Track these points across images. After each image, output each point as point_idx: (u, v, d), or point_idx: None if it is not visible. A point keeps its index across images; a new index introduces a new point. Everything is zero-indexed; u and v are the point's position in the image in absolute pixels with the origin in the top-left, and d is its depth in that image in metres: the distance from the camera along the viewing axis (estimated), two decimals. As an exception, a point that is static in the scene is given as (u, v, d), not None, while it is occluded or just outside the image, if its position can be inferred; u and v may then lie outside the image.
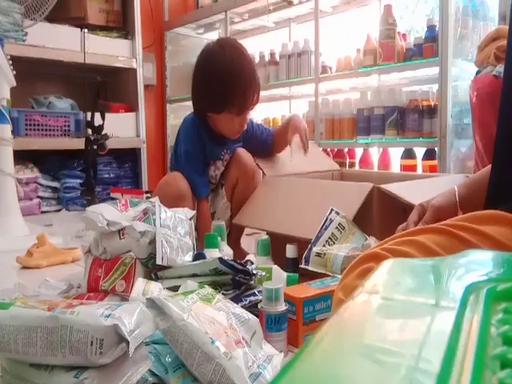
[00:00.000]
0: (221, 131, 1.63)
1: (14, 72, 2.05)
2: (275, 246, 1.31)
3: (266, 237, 1.32)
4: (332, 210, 1.19)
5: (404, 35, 2.48)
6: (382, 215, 1.27)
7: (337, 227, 1.17)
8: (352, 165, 2.82)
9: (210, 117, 1.62)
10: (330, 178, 1.83)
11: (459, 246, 0.63)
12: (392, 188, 1.25)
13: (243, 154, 1.65)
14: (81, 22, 3.03)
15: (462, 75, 2.21)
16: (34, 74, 2.94)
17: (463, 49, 2.23)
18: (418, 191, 1.29)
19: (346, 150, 2.84)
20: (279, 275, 1.12)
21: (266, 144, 1.75)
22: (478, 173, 1.09)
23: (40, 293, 1.11)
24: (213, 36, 3.76)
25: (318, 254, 1.11)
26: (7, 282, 1.36)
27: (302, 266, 1.13)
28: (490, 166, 0.96)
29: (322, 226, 1.17)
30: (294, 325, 0.92)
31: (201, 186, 1.60)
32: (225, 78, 1.53)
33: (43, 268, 1.62)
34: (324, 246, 1.15)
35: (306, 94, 3.09)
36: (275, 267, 1.15)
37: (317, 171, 1.79)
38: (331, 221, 1.18)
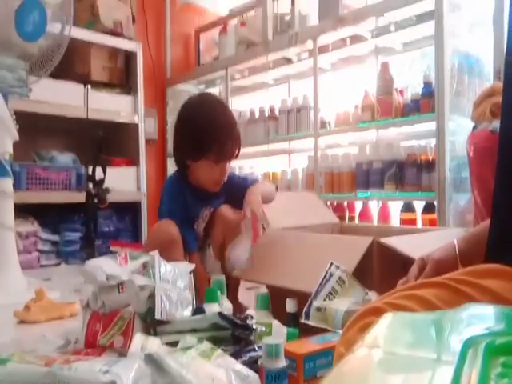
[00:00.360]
0: (201, 182, 1.65)
1: (18, 126, 2.08)
2: (275, 300, 1.30)
3: (265, 291, 1.31)
4: (332, 264, 1.19)
5: (401, 91, 2.54)
6: (382, 269, 1.26)
7: (337, 281, 1.16)
8: (352, 218, 2.83)
9: (190, 167, 1.65)
10: (330, 232, 1.84)
11: (460, 300, 0.63)
12: (392, 242, 1.25)
13: (225, 210, 1.67)
14: (84, 79, 3.11)
15: (459, 130, 2.25)
16: (37, 128, 3.00)
17: (459, 104, 2.28)
18: (418, 245, 1.29)
19: (345, 203, 2.86)
20: (279, 330, 1.10)
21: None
22: (477, 227, 1.10)
23: (37, 348, 1.09)
24: (213, 92, 3.85)
25: (319, 309, 1.10)
26: (4, 337, 1.34)
27: (303, 320, 1.11)
28: (489, 220, 0.97)
29: (322, 281, 1.17)
30: (294, 381, 0.90)
31: (191, 240, 1.61)
32: (203, 125, 1.60)
33: (41, 323, 1.60)
34: (324, 300, 1.14)
35: (305, 149, 3.13)
36: (275, 322, 1.13)
37: (316, 224, 1.79)
38: (331, 275, 1.17)
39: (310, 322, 1.10)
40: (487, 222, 0.94)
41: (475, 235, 1.01)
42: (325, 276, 1.17)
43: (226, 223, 1.64)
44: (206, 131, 1.59)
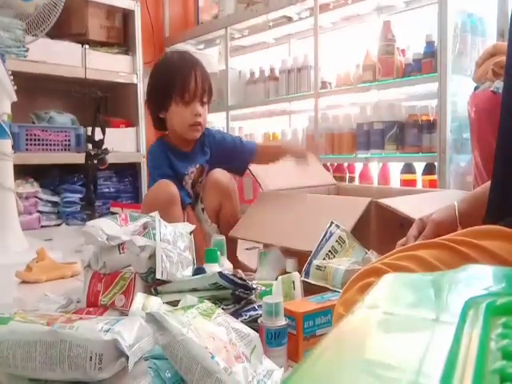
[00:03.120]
0: (178, 132, 1.66)
1: (15, 87, 2.06)
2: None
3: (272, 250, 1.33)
4: (332, 222, 1.19)
5: (403, 51, 2.50)
6: (380, 229, 1.27)
7: (337, 240, 1.17)
8: (352, 179, 2.83)
9: (166, 123, 1.67)
10: (326, 193, 1.84)
11: (459, 260, 0.64)
12: (389, 202, 1.26)
13: (218, 175, 1.67)
14: (82, 38, 3.05)
15: (461, 90, 2.22)
16: (34, 89, 2.96)
17: (462, 64, 2.25)
18: (416, 206, 1.29)
19: (345, 164, 2.85)
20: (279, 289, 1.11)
21: (245, 154, 1.75)
22: (477, 188, 1.10)
23: (39, 307, 1.11)
24: (213, 52, 3.79)
25: (319, 268, 1.11)
26: (6, 297, 1.36)
27: (303, 278, 1.12)
28: (489, 182, 0.98)
29: (322, 239, 1.17)
30: (294, 340, 0.92)
31: (183, 196, 1.61)
32: (164, 69, 1.65)
33: (42, 283, 1.62)
34: (324, 259, 1.15)
35: (305, 109, 3.10)
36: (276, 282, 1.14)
37: (313, 186, 1.79)
38: (331, 234, 1.18)
39: (310, 280, 1.11)
40: (487, 184, 0.95)
41: (476, 197, 1.01)
42: (325, 235, 1.18)
43: (221, 188, 1.64)
44: (167, 73, 1.62)
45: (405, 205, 1.25)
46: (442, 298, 0.39)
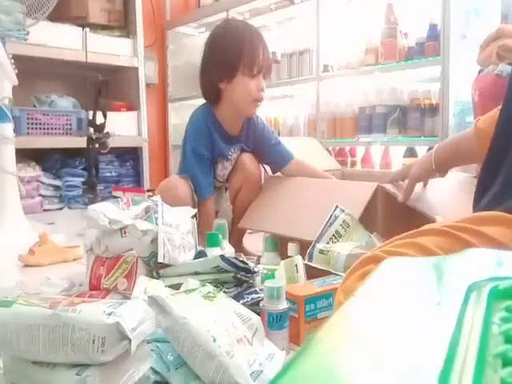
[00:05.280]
0: (237, 105, 1.58)
1: (16, 71, 2.05)
2: (280, 245, 1.32)
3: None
4: (337, 206, 1.19)
5: (406, 34, 2.48)
6: (386, 213, 1.27)
7: (341, 224, 1.17)
8: (353, 163, 2.82)
9: (223, 95, 1.59)
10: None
11: (459, 246, 0.64)
12: (398, 187, 1.26)
13: (248, 160, 1.64)
14: (82, 21, 3.03)
15: (464, 74, 2.20)
16: (35, 72, 2.95)
17: (465, 48, 2.23)
18: (422, 190, 1.29)
19: (347, 148, 2.84)
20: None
21: (282, 165, 1.68)
22: (453, 137, 1.25)
23: (42, 291, 1.11)
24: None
25: (322, 251, 1.11)
26: (9, 280, 1.37)
27: (306, 262, 1.12)
28: (465, 131, 1.10)
29: (327, 223, 1.17)
30: (295, 323, 0.92)
31: (205, 185, 1.57)
32: (232, 40, 1.56)
33: (45, 266, 1.62)
34: (328, 243, 1.15)
35: (307, 93, 3.08)
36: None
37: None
38: (336, 218, 1.17)
39: (313, 264, 1.11)
40: (463, 133, 1.19)
41: (452, 146, 1.20)
42: (329, 218, 1.17)
43: (247, 174, 1.62)
44: (235, 42, 1.55)
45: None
46: (443, 282, 0.39)
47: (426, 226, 0.75)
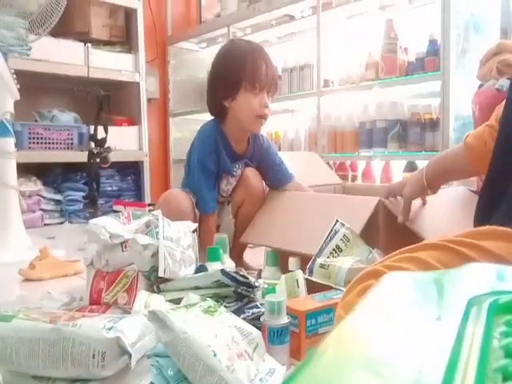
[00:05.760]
0: (241, 122, 1.58)
1: (18, 86, 2.07)
2: (281, 259, 1.32)
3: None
4: (337, 221, 1.19)
5: (406, 49, 2.50)
6: (387, 229, 1.26)
7: (341, 239, 1.16)
8: (354, 178, 2.83)
9: (228, 112, 1.59)
10: (332, 192, 1.83)
11: (459, 261, 0.63)
12: (397, 203, 1.26)
13: (252, 175, 1.63)
14: (84, 37, 3.06)
15: (464, 88, 2.22)
16: (37, 87, 2.97)
17: (465, 63, 2.24)
18: (419, 209, 1.30)
19: (348, 163, 2.85)
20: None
21: (282, 185, 1.68)
22: (443, 153, 1.26)
23: (42, 305, 1.11)
24: (215, 50, 3.77)
25: (322, 266, 1.11)
26: (10, 295, 1.36)
27: (306, 276, 1.12)
28: (454, 147, 1.12)
29: (327, 237, 1.17)
30: (296, 338, 0.92)
31: (209, 200, 1.57)
32: (236, 55, 1.58)
33: (46, 280, 1.62)
34: (328, 257, 1.14)
35: (308, 107, 3.10)
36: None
37: (319, 185, 1.79)
38: (336, 232, 1.17)
39: (314, 278, 1.11)
40: (452, 149, 1.24)
41: (441, 164, 1.23)
42: (330, 233, 1.17)
43: (250, 188, 1.62)
44: (238, 59, 1.56)
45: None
46: (444, 296, 0.39)
47: (426, 241, 0.75)
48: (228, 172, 1.62)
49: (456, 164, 1.19)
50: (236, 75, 1.54)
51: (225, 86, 1.57)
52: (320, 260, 1.12)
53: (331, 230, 1.18)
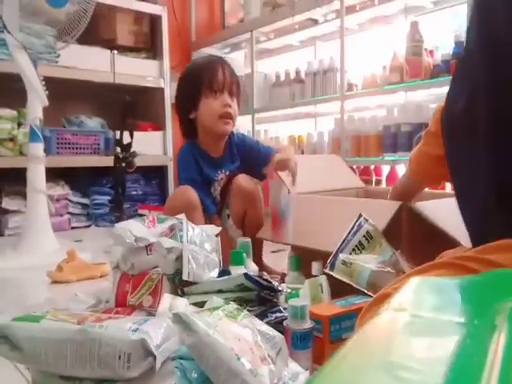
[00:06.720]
0: (208, 128, 1.64)
1: (47, 92, 2.11)
2: (304, 264, 1.31)
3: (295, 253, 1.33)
4: (360, 215, 1.16)
5: (431, 51, 2.47)
6: (412, 233, 1.24)
7: (364, 235, 1.13)
8: (378, 182, 2.80)
9: (196, 123, 1.66)
10: (355, 196, 1.82)
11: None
12: (422, 207, 1.23)
13: (243, 182, 1.64)
14: (111, 44, 3.11)
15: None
16: (65, 94, 3.03)
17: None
18: (448, 210, 1.27)
19: (372, 167, 2.83)
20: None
21: (266, 161, 1.67)
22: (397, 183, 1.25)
23: (70, 307, 1.13)
24: (239, 55, 3.80)
25: (345, 263, 1.07)
26: (38, 296, 1.39)
27: (327, 271, 1.09)
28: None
29: (350, 232, 1.14)
30: (320, 343, 0.91)
31: (209, 204, 1.61)
32: (192, 70, 1.69)
33: (73, 283, 1.65)
34: (350, 253, 1.11)
35: (331, 112, 3.09)
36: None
37: (341, 189, 1.78)
38: (360, 227, 1.14)
39: (335, 274, 1.07)
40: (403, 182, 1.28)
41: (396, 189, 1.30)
42: (353, 227, 1.14)
43: (246, 194, 1.62)
44: (194, 71, 1.66)
45: (436, 210, 1.23)
46: (469, 301, 0.39)
47: (436, 260, 0.75)
48: (211, 179, 1.67)
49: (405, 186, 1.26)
50: (194, 85, 1.62)
51: (187, 100, 1.65)
52: (342, 256, 1.09)
53: (354, 223, 1.15)
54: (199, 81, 1.61)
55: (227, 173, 1.69)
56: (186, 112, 1.67)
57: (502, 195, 0.71)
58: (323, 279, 1.10)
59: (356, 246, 1.13)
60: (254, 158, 1.71)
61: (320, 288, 1.09)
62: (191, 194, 1.55)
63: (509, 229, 0.68)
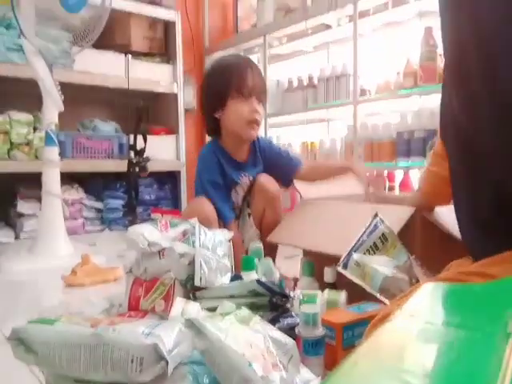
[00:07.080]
0: (234, 131, 1.62)
1: (63, 97, 2.14)
2: (316, 269, 1.31)
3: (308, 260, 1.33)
4: (376, 215, 1.14)
5: (445, 57, 2.46)
6: (424, 240, 1.23)
7: (380, 237, 1.12)
8: (392, 188, 2.79)
9: (221, 124, 1.64)
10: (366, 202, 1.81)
11: None
12: (435, 213, 1.22)
13: (265, 180, 1.64)
14: (125, 49, 3.14)
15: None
16: (80, 98, 3.06)
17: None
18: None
19: (385, 172, 2.81)
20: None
21: (293, 171, 1.72)
22: None
23: (84, 310, 1.14)
24: (253, 60, 3.81)
25: (358, 264, 1.05)
26: (52, 300, 1.40)
27: (340, 269, 1.07)
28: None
29: (365, 231, 1.12)
30: (332, 350, 0.91)
31: (226, 211, 1.60)
32: (221, 68, 1.65)
33: (86, 286, 1.66)
34: (364, 253, 1.10)
35: (344, 117, 3.09)
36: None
37: (353, 194, 1.77)
38: (376, 228, 1.12)
39: (347, 274, 1.05)
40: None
41: None
42: (368, 226, 1.13)
43: (266, 194, 1.62)
44: (224, 70, 1.63)
45: (453, 217, 1.21)
46: (481, 308, 0.38)
47: (438, 276, 0.74)
48: (233, 181, 1.65)
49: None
50: (223, 85, 1.59)
51: (214, 99, 1.62)
52: (356, 257, 1.08)
53: (370, 223, 1.13)
54: (228, 82, 1.58)
55: (250, 178, 1.68)
56: (211, 111, 1.64)
57: (503, 204, 0.70)
58: (342, 295, 1.09)
59: (370, 246, 1.11)
60: (281, 166, 1.71)
61: (337, 303, 1.07)
62: (207, 208, 1.54)
63: (509, 237, 0.68)
